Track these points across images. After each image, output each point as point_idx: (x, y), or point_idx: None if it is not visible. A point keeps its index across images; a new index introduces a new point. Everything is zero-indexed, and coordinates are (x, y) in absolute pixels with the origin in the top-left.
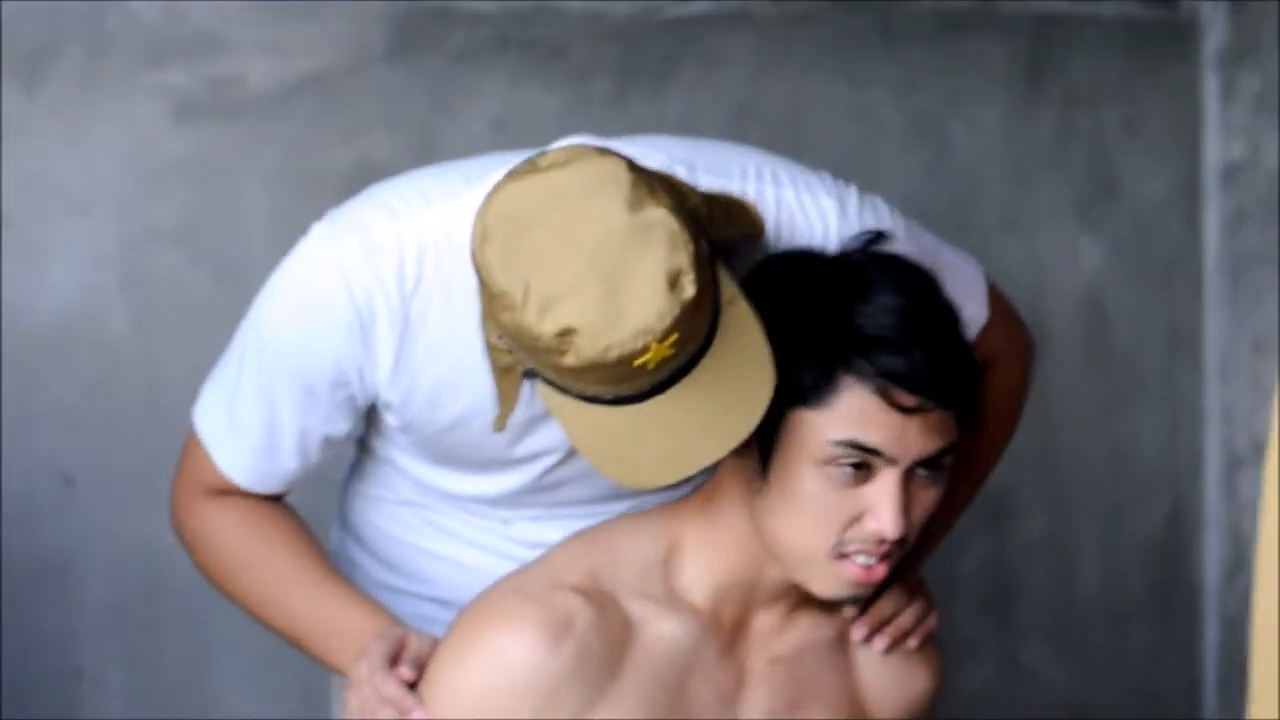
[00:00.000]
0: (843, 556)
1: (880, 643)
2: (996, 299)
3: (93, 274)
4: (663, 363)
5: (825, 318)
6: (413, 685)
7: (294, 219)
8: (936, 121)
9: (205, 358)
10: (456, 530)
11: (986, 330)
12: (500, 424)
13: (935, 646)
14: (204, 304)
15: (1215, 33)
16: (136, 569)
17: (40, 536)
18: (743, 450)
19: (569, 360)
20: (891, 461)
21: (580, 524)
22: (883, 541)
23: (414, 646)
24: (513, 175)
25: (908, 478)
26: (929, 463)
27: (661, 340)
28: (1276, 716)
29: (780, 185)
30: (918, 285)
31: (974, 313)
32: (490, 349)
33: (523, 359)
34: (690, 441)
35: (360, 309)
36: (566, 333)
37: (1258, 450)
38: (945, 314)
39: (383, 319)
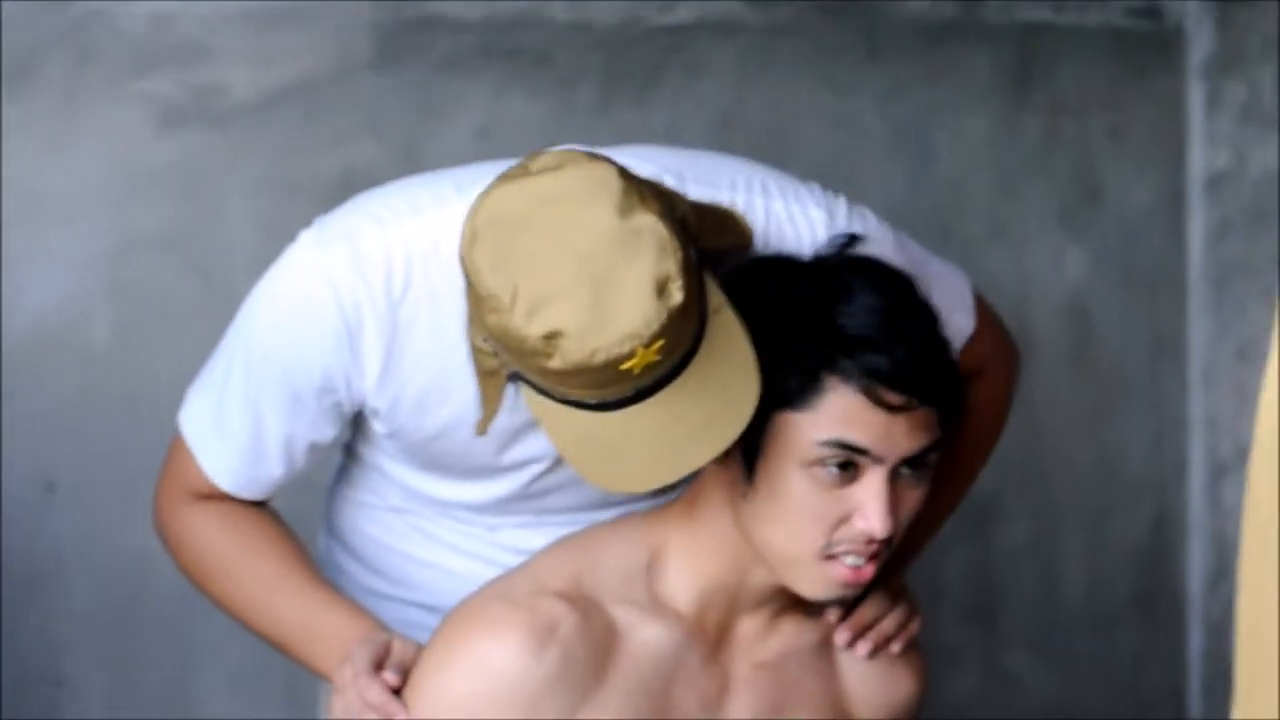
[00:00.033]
0: (831, 558)
1: (864, 648)
2: (983, 309)
3: (77, 281)
4: (648, 368)
5: (807, 320)
6: (397, 691)
7: (279, 227)
8: (921, 130)
9: (189, 365)
10: (443, 536)
11: (973, 340)
12: (483, 428)
13: (919, 652)
14: (188, 311)
15: (1200, 42)
16: (119, 575)
17: (22, 543)
18: (726, 456)
19: (555, 363)
20: (878, 460)
21: (567, 531)
22: (871, 541)
23: (398, 651)
24: (503, 178)
25: (894, 477)
26: (914, 461)
27: (648, 346)
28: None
29: (769, 196)
30: (896, 285)
31: (961, 323)
32: (475, 352)
33: (508, 362)
34: (675, 447)
35: (348, 317)
36: (553, 335)
37: (1242, 457)
38: (925, 313)
39: (370, 327)
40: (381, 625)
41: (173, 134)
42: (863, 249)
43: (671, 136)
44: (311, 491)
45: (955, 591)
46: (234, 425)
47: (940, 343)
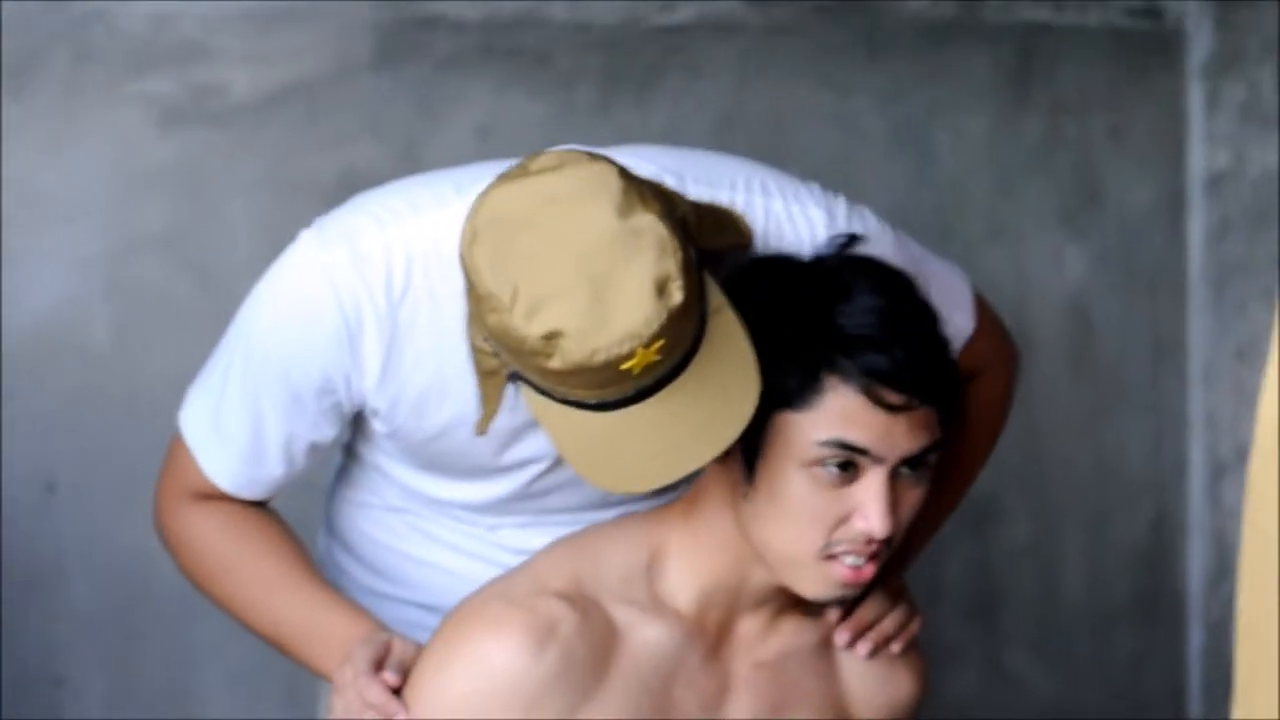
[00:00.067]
0: (831, 558)
1: (864, 648)
2: (982, 309)
3: (76, 281)
4: (648, 368)
5: (807, 320)
6: (397, 690)
7: (278, 227)
8: (920, 130)
9: (188, 365)
10: (442, 536)
11: (973, 341)
12: (483, 428)
13: (919, 652)
14: (187, 311)
15: (1200, 43)
16: (119, 576)
17: (23, 543)
18: (726, 456)
19: (555, 363)
20: (878, 460)
21: (567, 531)
22: (871, 541)
23: (398, 651)
24: (504, 178)
25: (893, 477)
26: (914, 461)
27: (648, 346)
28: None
29: (769, 196)
30: (895, 285)
31: (961, 323)
32: (475, 351)
33: (508, 362)
34: (675, 447)
35: (348, 316)
36: (553, 335)
37: (1242, 457)
38: (924, 312)
39: (370, 327)
40: (381, 625)
41: (172, 134)
42: (862, 249)
43: (671, 136)
44: (312, 492)
45: (955, 591)
46: (234, 425)
47: (940, 342)
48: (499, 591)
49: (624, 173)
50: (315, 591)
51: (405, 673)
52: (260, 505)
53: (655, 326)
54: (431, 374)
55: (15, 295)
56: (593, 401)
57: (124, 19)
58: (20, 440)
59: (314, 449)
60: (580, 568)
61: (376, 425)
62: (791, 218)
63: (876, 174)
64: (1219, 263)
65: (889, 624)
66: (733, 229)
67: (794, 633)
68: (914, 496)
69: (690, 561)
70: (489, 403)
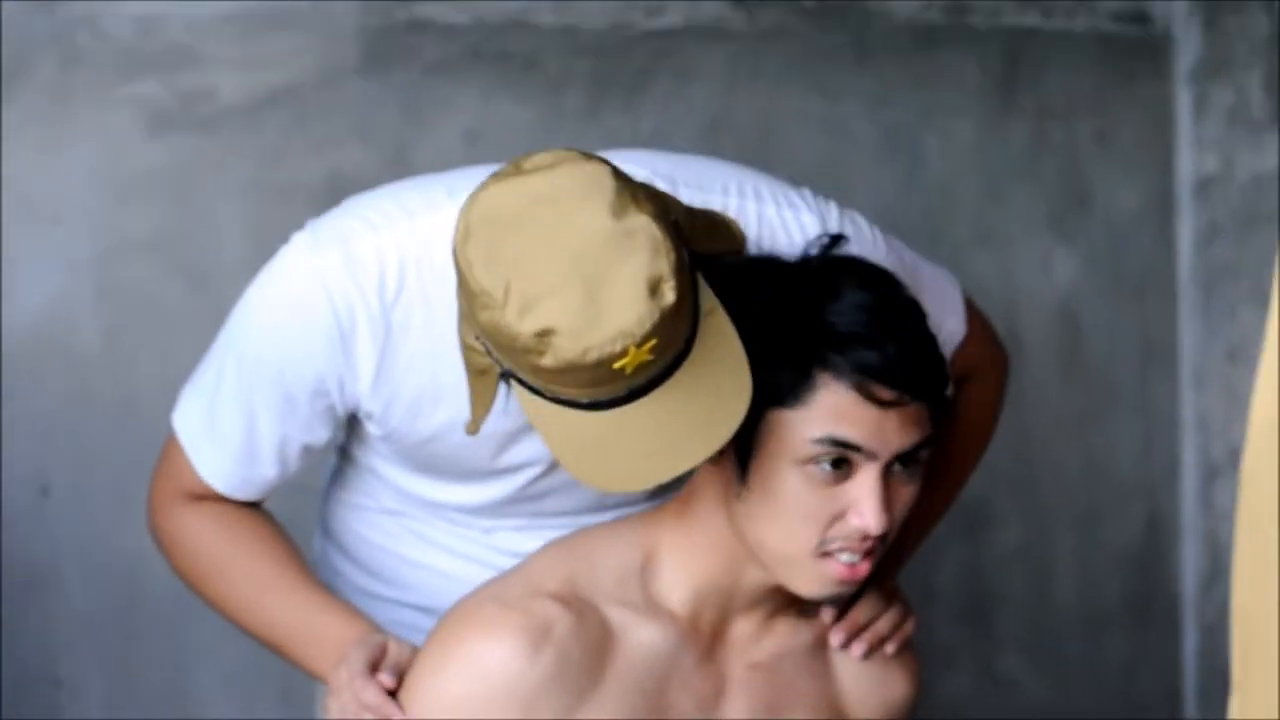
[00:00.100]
0: (826, 555)
1: (858, 648)
2: (973, 314)
3: (66, 285)
4: (640, 368)
5: (797, 318)
6: (393, 692)
7: (267, 231)
8: (909, 134)
9: (178, 368)
10: (437, 538)
11: (964, 345)
12: (475, 427)
13: (913, 652)
14: (177, 315)
15: (1188, 47)
16: (114, 577)
17: (18, 546)
18: (719, 456)
19: (547, 361)
20: (871, 457)
21: (563, 534)
22: (866, 538)
23: (394, 653)
24: (497, 176)
25: (886, 474)
26: (906, 458)
27: (640, 345)
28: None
29: (761, 201)
30: (883, 283)
31: (953, 329)
32: (466, 350)
33: (500, 360)
34: (668, 446)
35: (341, 319)
36: (545, 333)
37: (1234, 459)
38: (913, 309)
39: (364, 329)
40: (376, 627)
41: (161, 138)
42: (856, 254)
43: (660, 141)
44: (305, 494)
45: (947, 594)
46: (227, 427)
47: (929, 338)
48: (493, 594)
49: (618, 173)
50: (309, 593)
51: (400, 675)
52: (254, 506)
53: (648, 326)
54: (426, 377)
55: (5, 299)
56: (585, 401)
57: (112, 24)
58: (14, 444)
59: (307, 451)
60: (574, 569)
61: (370, 428)
62: (784, 223)
63: (865, 178)
64: (1208, 266)
65: (883, 625)
66: (725, 233)
67: (788, 634)
68: (907, 493)
69: (684, 562)
70: (480, 402)
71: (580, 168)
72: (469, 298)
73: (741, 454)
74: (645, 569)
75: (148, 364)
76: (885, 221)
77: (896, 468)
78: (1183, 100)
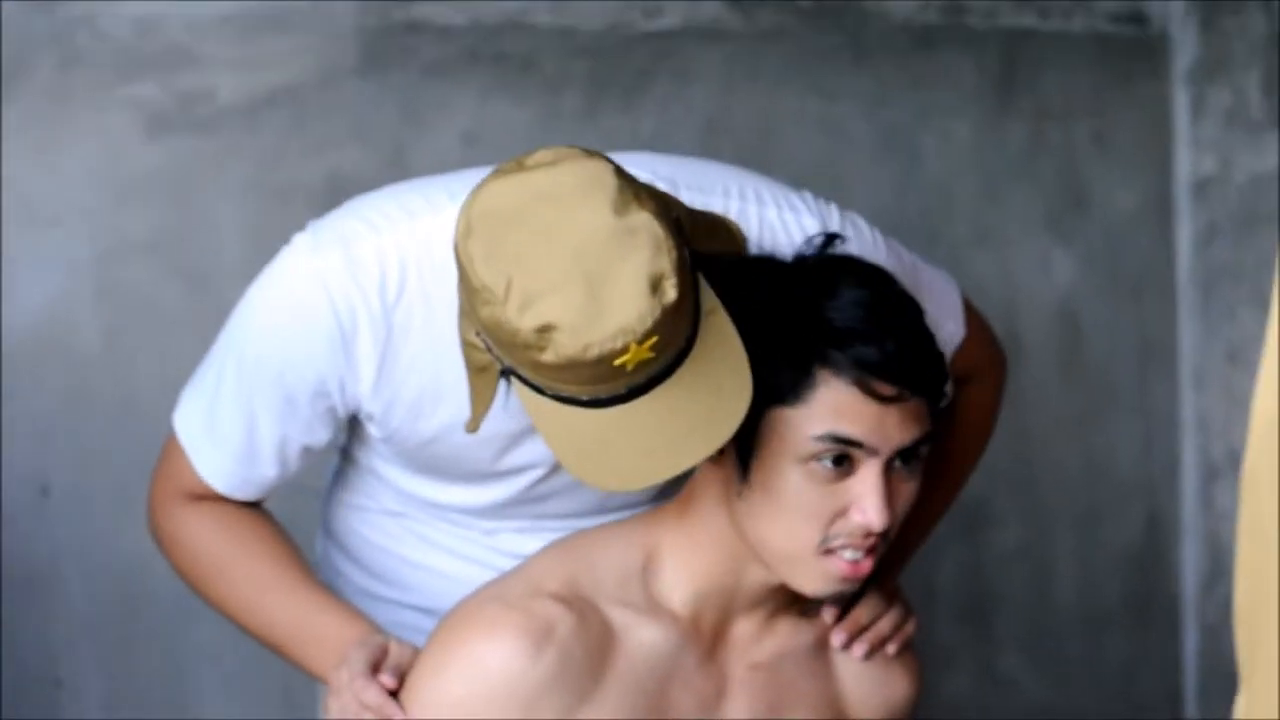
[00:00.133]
0: (829, 552)
1: (859, 649)
2: (971, 315)
3: (65, 286)
4: (641, 365)
5: (796, 316)
6: (394, 693)
7: (265, 232)
8: (907, 135)
9: (177, 369)
10: (438, 540)
11: (963, 347)
12: (474, 425)
13: (914, 653)
14: (176, 316)
15: (1185, 48)
16: (114, 577)
17: (18, 547)
18: (720, 454)
19: (547, 357)
20: (873, 453)
21: None
22: (869, 534)
23: (395, 654)
24: (499, 173)
25: (888, 470)
26: (906, 454)
27: (641, 342)
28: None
29: (763, 204)
30: (879, 280)
31: (952, 330)
32: (466, 346)
33: (500, 356)
34: (668, 444)
35: (342, 320)
36: (546, 329)
37: (1234, 459)
38: (910, 305)
39: (365, 331)
40: (377, 627)
41: (159, 139)
42: (855, 255)
43: (659, 142)
44: (305, 495)
45: (947, 594)
46: (227, 427)
47: (926, 334)
48: (495, 594)
49: (620, 170)
50: (309, 593)
51: (402, 675)
52: (254, 506)
53: (649, 322)
54: (427, 378)
55: (5, 300)
56: (585, 398)
57: (110, 25)
58: (14, 445)
59: (307, 451)
60: (576, 570)
61: (371, 429)
62: (785, 226)
63: (863, 178)
64: (1206, 267)
65: (885, 625)
66: (726, 235)
67: (789, 634)
68: (908, 490)
69: (685, 561)
70: (479, 399)
71: (582, 165)
72: (470, 293)
73: (743, 453)
74: (646, 569)
75: (147, 364)
76: (883, 222)
77: (897, 464)
78: (1180, 101)
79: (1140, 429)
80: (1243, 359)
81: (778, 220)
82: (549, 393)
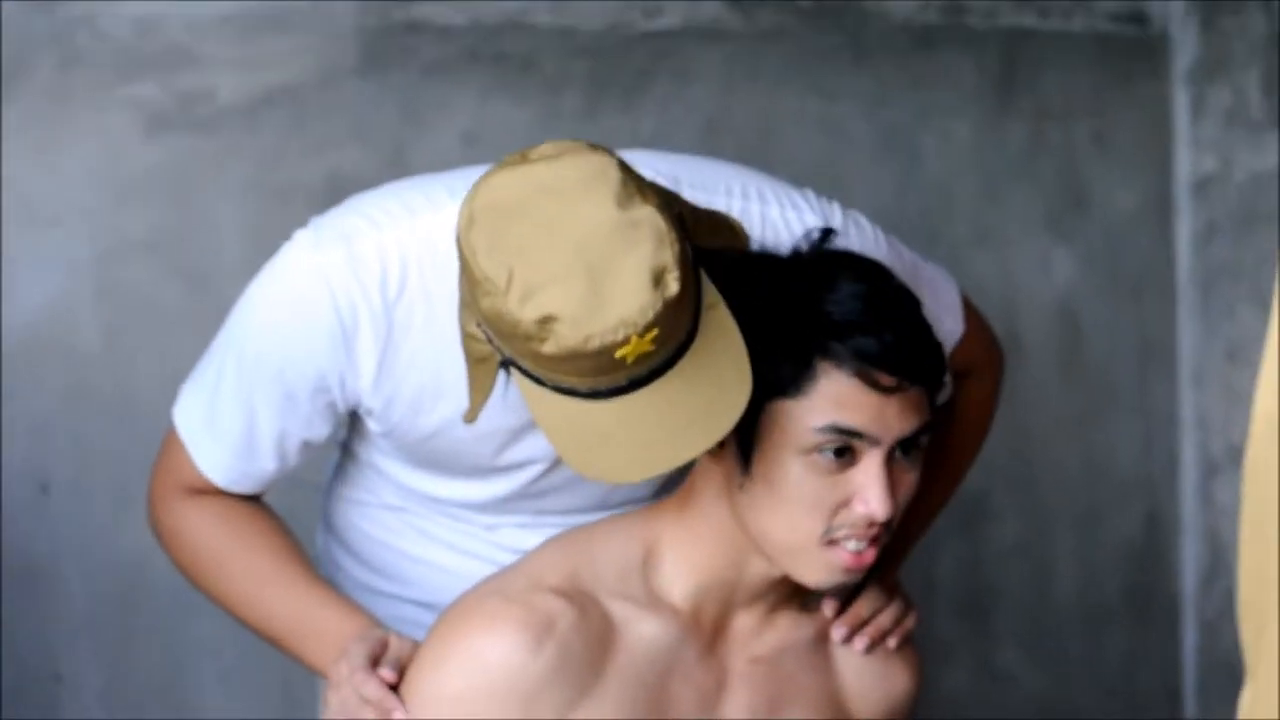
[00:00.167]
0: (832, 543)
1: (860, 643)
2: (970, 313)
3: (65, 286)
4: (642, 358)
5: (796, 309)
6: (394, 687)
7: (265, 231)
8: (907, 135)
9: (176, 368)
10: (439, 534)
11: (961, 344)
12: (472, 415)
13: (914, 647)
14: (175, 315)
15: (1185, 48)
16: (113, 574)
17: (18, 544)
18: (721, 447)
19: (548, 348)
20: (874, 443)
21: None
22: (872, 524)
23: (395, 648)
24: (502, 165)
25: (889, 460)
26: (907, 444)
27: (642, 334)
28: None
29: (765, 202)
30: (876, 273)
31: (951, 327)
32: (466, 338)
33: (500, 347)
34: (669, 437)
35: (343, 316)
36: (547, 320)
37: (1233, 457)
38: (907, 297)
39: (365, 327)
40: (376, 621)
41: (159, 139)
42: (856, 251)
43: (659, 142)
44: (304, 489)
45: (947, 589)
46: (227, 421)
47: (924, 325)
48: (495, 588)
49: (623, 164)
50: (309, 587)
51: (401, 670)
52: (254, 500)
53: (650, 315)
54: (427, 374)
55: (5, 299)
56: (585, 389)
57: (110, 24)
58: (14, 443)
59: (307, 446)
60: (576, 563)
61: (371, 425)
62: (788, 224)
63: (863, 178)
64: (1206, 266)
65: (885, 619)
66: (728, 233)
67: (790, 628)
68: (909, 480)
69: (685, 555)
70: (478, 390)
71: (585, 158)
72: (471, 284)
73: (744, 445)
74: (647, 563)
75: (147, 363)
76: (883, 221)
77: (898, 454)
78: (1180, 100)
79: (1140, 427)
80: (1242, 357)
81: (780, 218)
82: (549, 384)
